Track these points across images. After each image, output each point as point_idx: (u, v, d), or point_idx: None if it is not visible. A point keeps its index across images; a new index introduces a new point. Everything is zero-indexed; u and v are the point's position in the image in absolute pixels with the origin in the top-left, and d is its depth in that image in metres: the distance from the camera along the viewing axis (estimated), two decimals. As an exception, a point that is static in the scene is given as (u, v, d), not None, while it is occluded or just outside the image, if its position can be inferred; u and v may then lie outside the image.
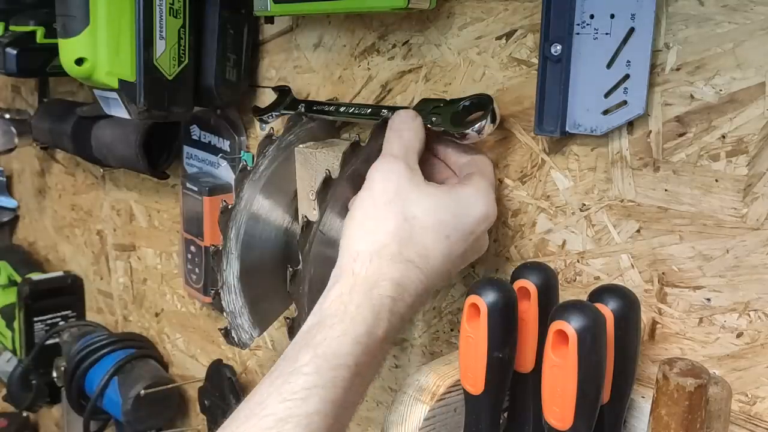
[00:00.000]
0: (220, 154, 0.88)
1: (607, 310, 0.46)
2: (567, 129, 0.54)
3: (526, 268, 0.51)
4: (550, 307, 0.49)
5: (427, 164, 0.59)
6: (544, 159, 0.57)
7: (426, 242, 0.51)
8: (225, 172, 0.89)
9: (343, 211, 0.59)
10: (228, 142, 0.87)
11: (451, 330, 0.67)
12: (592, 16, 0.51)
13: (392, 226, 0.51)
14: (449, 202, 0.52)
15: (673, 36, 0.49)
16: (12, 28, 1.00)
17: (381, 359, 0.51)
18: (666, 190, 0.51)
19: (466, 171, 0.57)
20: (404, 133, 0.56)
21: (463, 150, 0.59)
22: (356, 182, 0.56)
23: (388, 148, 0.55)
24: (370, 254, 0.50)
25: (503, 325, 0.48)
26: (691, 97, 0.49)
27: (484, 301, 0.48)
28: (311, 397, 0.44)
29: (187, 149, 0.95)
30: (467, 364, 0.50)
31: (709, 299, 0.50)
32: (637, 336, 0.47)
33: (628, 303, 0.47)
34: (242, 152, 0.85)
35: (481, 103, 0.58)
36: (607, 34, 0.50)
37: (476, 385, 0.49)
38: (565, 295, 0.57)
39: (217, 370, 0.94)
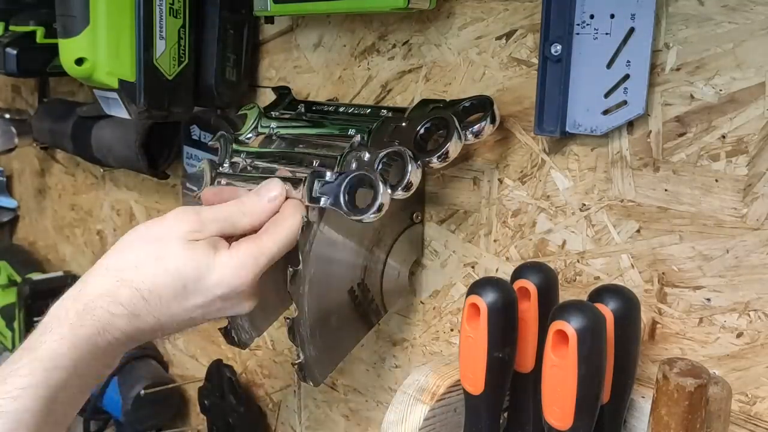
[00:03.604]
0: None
1: (607, 310, 0.46)
2: (567, 129, 0.54)
3: (526, 268, 0.51)
4: (550, 307, 0.49)
5: None
6: (544, 159, 0.57)
7: (161, 282, 0.54)
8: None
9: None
10: (228, 142, 0.87)
11: (451, 330, 0.67)
12: (592, 16, 0.51)
13: (141, 258, 0.55)
14: (201, 260, 0.55)
15: (673, 36, 0.49)
16: (12, 28, 1.00)
17: (105, 363, 0.55)
18: (666, 190, 0.51)
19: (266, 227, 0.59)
20: (245, 216, 0.58)
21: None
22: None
23: (223, 212, 0.58)
24: (107, 269, 0.55)
25: (503, 325, 0.48)
26: (691, 97, 0.49)
27: (483, 300, 0.48)
28: (23, 396, 0.49)
29: (187, 149, 0.95)
30: (467, 364, 0.50)
31: (709, 299, 0.50)
32: (637, 336, 0.47)
33: (628, 303, 0.47)
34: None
35: (482, 105, 0.57)
36: (607, 34, 0.50)
37: (476, 385, 0.49)
38: (565, 295, 0.57)
39: (217, 370, 0.93)
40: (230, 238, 0.57)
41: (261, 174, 0.63)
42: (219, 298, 0.56)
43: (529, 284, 0.50)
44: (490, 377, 0.49)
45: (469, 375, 0.50)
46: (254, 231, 0.58)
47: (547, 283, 0.50)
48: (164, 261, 0.54)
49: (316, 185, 0.56)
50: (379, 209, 0.53)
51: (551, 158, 0.57)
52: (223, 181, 0.64)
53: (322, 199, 0.55)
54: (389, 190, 0.53)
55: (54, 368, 0.50)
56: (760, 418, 0.48)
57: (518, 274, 0.51)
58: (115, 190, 1.17)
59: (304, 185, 0.57)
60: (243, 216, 0.58)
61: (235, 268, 0.55)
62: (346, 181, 0.54)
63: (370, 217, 0.53)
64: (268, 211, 0.58)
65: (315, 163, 0.60)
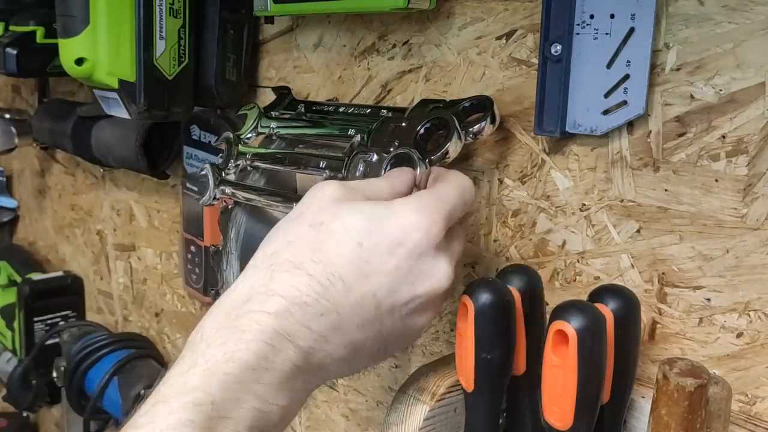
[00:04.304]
0: (220, 155, 0.88)
1: (607, 310, 0.46)
2: (567, 129, 0.54)
3: (509, 272, 0.51)
4: (536, 309, 0.49)
5: None
6: (544, 159, 0.57)
7: (328, 247, 0.44)
8: (225, 172, 0.89)
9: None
10: (228, 142, 0.87)
11: (451, 330, 0.67)
12: (592, 16, 0.51)
13: (292, 236, 0.46)
14: (368, 210, 0.46)
15: (673, 36, 0.49)
16: (12, 28, 1.00)
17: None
18: (666, 190, 0.51)
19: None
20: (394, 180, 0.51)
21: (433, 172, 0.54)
22: None
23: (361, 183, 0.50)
24: (259, 260, 0.46)
25: (491, 328, 0.48)
26: (691, 97, 0.49)
27: (472, 302, 0.47)
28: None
29: (187, 149, 0.95)
30: (460, 362, 0.50)
31: (709, 299, 0.50)
32: (637, 336, 0.47)
33: (628, 303, 0.47)
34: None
35: (482, 105, 0.58)
36: (607, 34, 0.50)
37: (468, 383, 0.50)
38: (565, 295, 0.57)
39: (217, 370, 0.93)
40: None
41: (267, 189, 0.63)
42: (409, 253, 0.44)
43: (512, 289, 0.49)
44: (479, 378, 0.49)
45: (462, 372, 0.50)
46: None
47: (531, 285, 0.50)
48: (324, 226, 0.45)
49: (361, 165, 0.56)
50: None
51: (551, 158, 0.57)
52: (227, 189, 0.64)
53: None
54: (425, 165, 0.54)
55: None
56: (760, 418, 0.48)
57: (501, 278, 0.50)
58: (115, 190, 1.17)
59: (348, 163, 0.56)
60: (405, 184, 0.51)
61: (417, 204, 0.46)
62: (387, 159, 0.55)
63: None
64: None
65: (322, 165, 0.60)
